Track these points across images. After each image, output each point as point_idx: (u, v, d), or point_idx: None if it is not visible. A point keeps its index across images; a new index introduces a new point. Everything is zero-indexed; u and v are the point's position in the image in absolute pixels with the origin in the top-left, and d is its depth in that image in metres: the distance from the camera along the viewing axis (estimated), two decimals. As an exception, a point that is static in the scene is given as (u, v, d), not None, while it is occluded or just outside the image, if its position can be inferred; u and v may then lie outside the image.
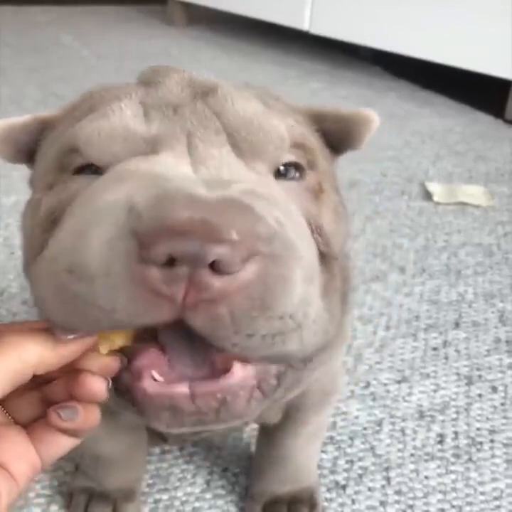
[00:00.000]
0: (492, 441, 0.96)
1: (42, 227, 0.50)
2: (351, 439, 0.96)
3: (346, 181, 1.75)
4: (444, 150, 2.00)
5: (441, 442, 0.96)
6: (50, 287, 0.43)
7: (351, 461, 0.93)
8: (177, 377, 0.45)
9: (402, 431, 0.98)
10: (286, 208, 0.46)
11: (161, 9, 3.62)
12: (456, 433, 0.98)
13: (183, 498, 0.87)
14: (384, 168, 1.85)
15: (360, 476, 0.91)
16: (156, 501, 0.86)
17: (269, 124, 0.50)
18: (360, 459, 0.93)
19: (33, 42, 2.95)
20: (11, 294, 1.20)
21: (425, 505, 0.87)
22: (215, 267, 0.39)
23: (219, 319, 0.40)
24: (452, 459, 0.93)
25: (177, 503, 0.86)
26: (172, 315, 0.40)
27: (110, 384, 0.45)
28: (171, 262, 0.38)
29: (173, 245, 0.38)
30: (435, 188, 1.72)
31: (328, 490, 0.89)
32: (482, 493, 0.89)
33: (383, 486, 0.89)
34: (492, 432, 0.98)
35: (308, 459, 0.84)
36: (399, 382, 1.07)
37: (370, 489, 0.89)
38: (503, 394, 1.05)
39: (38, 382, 0.48)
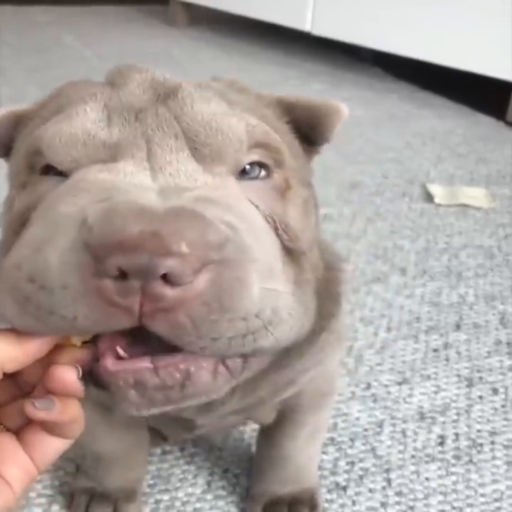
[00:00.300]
0: (493, 442, 0.97)
1: (13, 228, 0.51)
2: (352, 440, 0.96)
3: (347, 183, 1.76)
4: (446, 152, 2.00)
5: (441, 444, 0.96)
6: (11, 294, 0.44)
7: (352, 463, 0.93)
8: (139, 353, 0.45)
9: (403, 432, 0.98)
10: (241, 211, 0.47)
11: (162, 9, 3.62)
12: (456, 435, 0.98)
13: (184, 499, 0.87)
14: (385, 170, 1.85)
15: (361, 477, 0.91)
16: (157, 502, 0.86)
17: (228, 125, 0.50)
18: (361, 460, 0.93)
19: (33, 42, 2.95)
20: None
21: (426, 506, 0.87)
22: (167, 279, 0.39)
23: (179, 326, 0.41)
24: (453, 461, 0.93)
25: (178, 503, 0.86)
26: (132, 323, 0.41)
27: (81, 373, 0.45)
28: (123, 274, 0.39)
29: (124, 259, 0.39)
30: (436, 189, 1.72)
31: (329, 491, 0.89)
32: (482, 495, 0.89)
33: (384, 488, 0.89)
34: (493, 433, 0.98)
35: (308, 459, 0.84)
36: (400, 383, 1.07)
37: (370, 490, 0.89)
38: (503, 396, 1.05)
39: (26, 391, 0.48)
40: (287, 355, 0.57)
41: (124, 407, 0.45)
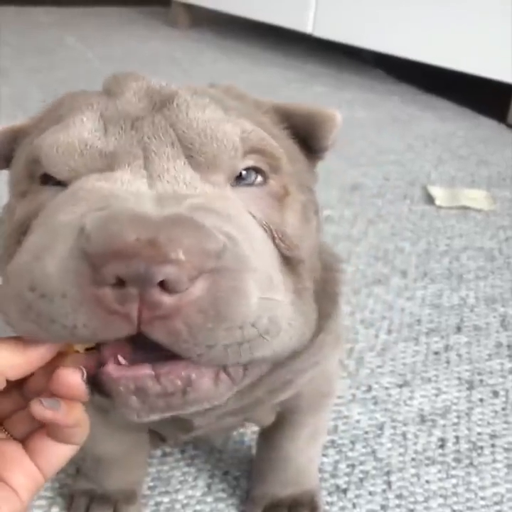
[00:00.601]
0: (493, 445, 0.96)
1: (14, 236, 0.52)
2: (352, 442, 0.96)
3: (349, 185, 1.76)
4: (447, 154, 2.00)
5: (442, 446, 0.96)
6: (13, 302, 0.44)
7: (352, 465, 0.93)
8: (140, 360, 0.45)
9: (404, 435, 0.98)
10: (240, 221, 0.47)
11: (163, 11, 3.62)
12: (457, 437, 0.98)
13: (184, 501, 0.87)
14: (386, 172, 1.85)
15: (361, 479, 0.91)
16: (157, 504, 0.86)
17: (222, 132, 0.51)
18: (361, 463, 0.93)
19: (35, 43, 2.95)
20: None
21: (426, 509, 0.87)
22: (164, 286, 0.40)
23: (176, 333, 0.41)
24: (453, 464, 0.93)
25: (178, 506, 0.86)
26: (131, 330, 0.41)
27: (85, 377, 0.45)
28: (121, 282, 0.40)
29: (121, 267, 0.39)
30: (437, 191, 1.72)
31: (329, 493, 0.89)
32: (483, 498, 0.89)
33: (384, 490, 0.89)
34: (493, 436, 0.98)
35: (308, 461, 0.84)
36: (400, 386, 1.07)
37: (371, 493, 0.89)
38: (504, 398, 1.05)
39: (31, 401, 0.48)
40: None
41: (125, 413, 0.45)
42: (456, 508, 0.87)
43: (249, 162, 0.53)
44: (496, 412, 1.03)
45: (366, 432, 0.98)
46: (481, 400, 1.05)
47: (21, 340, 0.45)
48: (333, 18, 2.63)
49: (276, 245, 0.51)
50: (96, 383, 0.46)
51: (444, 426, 1.00)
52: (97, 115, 0.51)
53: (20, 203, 0.53)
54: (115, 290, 0.40)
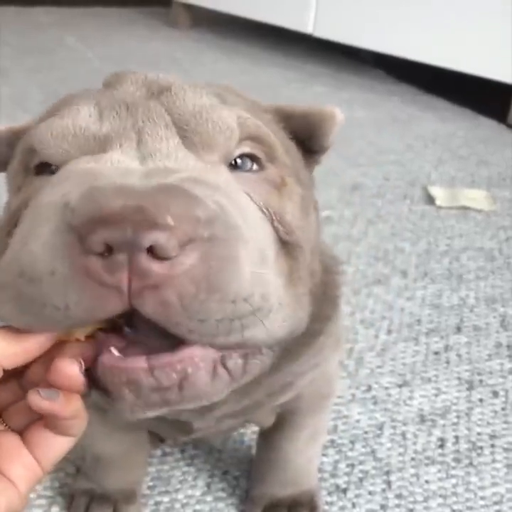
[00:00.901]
0: (493, 445, 0.97)
1: (6, 230, 0.51)
2: (352, 442, 0.96)
3: (348, 185, 1.76)
4: (447, 154, 2.00)
5: (441, 446, 0.96)
6: (6, 293, 0.44)
7: (352, 465, 0.93)
8: (134, 352, 0.44)
9: (403, 435, 0.98)
10: (231, 193, 0.47)
11: (163, 11, 3.62)
12: (456, 437, 0.98)
13: (184, 501, 0.87)
14: (386, 172, 1.85)
15: (361, 479, 0.91)
16: (157, 503, 0.86)
17: (218, 115, 0.51)
18: (361, 463, 0.93)
19: (35, 43, 2.95)
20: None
21: (425, 509, 0.87)
22: (153, 253, 0.39)
23: (167, 305, 0.40)
24: (453, 464, 0.93)
25: (178, 505, 0.86)
26: (122, 305, 0.41)
27: (83, 368, 0.45)
28: (110, 250, 0.39)
29: (108, 233, 0.39)
30: (437, 192, 1.72)
31: (329, 493, 0.89)
32: (482, 498, 0.89)
33: (384, 490, 0.89)
34: (493, 436, 0.98)
35: (307, 462, 0.84)
36: (400, 386, 1.07)
37: (370, 493, 0.89)
38: (503, 399, 1.05)
39: (28, 390, 0.48)
40: (282, 357, 0.57)
41: (120, 409, 0.45)
42: (455, 507, 0.87)
43: (245, 148, 0.52)
44: (495, 412, 1.03)
45: (366, 432, 0.98)
46: (481, 400, 1.05)
47: (18, 329, 0.45)
48: (334, 18, 2.63)
49: (275, 228, 0.50)
50: (93, 376, 0.45)
51: (443, 426, 1.00)
52: (92, 104, 0.51)
53: (15, 196, 0.53)
54: (103, 259, 0.39)
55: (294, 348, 0.59)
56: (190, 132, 0.50)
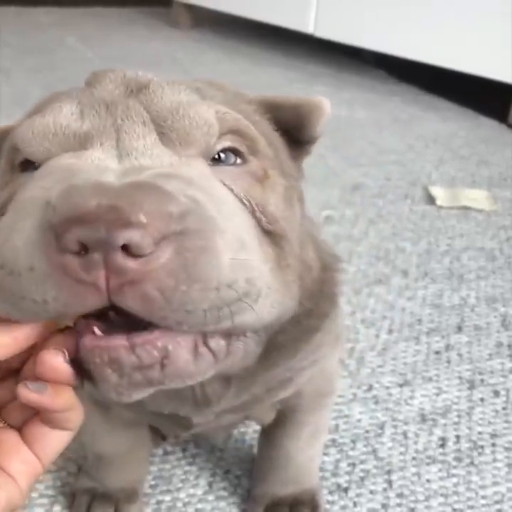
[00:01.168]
0: (494, 445, 0.97)
1: None
2: (353, 441, 0.96)
3: (349, 185, 1.76)
4: (448, 154, 2.00)
5: (443, 446, 0.96)
6: None
7: (353, 464, 0.93)
8: (115, 332, 0.44)
9: (404, 434, 0.98)
10: (206, 186, 0.47)
11: (164, 11, 3.62)
12: (457, 437, 0.98)
13: (186, 500, 0.87)
14: (387, 172, 1.85)
15: (362, 478, 0.91)
16: (159, 502, 0.86)
17: (195, 111, 0.51)
18: (362, 462, 0.93)
19: (35, 43, 2.95)
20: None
21: (427, 508, 0.87)
22: (128, 251, 0.39)
23: (149, 299, 0.41)
24: (454, 463, 0.94)
25: (179, 504, 0.86)
26: (102, 301, 0.41)
27: (67, 357, 0.44)
28: (85, 249, 0.40)
29: (82, 232, 0.39)
30: (438, 192, 1.73)
31: (330, 492, 0.89)
32: (483, 497, 0.89)
33: (385, 489, 0.89)
34: (494, 435, 0.98)
35: (309, 460, 0.84)
36: (401, 385, 1.07)
37: (371, 492, 0.89)
38: (505, 398, 1.05)
39: None
40: (278, 352, 0.57)
41: (104, 390, 0.45)
42: (456, 507, 0.87)
43: (226, 143, 0.52)
44: (496, 411, 1.03)
45: (367, 431, 0.98)
46: (482, 399, 1.05)
47: (6, 319, 0.45)
48: (335, 18, 2.63)
49: (257, 218, 0.50)
50: (79, 365, 0.45)
51: (444, 425, 1.00)
52: (74, 102, 0.52)
53: (2, 192, 0.53)
54: (79, 257, 0.40)
55: (290, 343, 0.60)
56: (168, 129, 0.50)
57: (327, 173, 1.81)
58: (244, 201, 0.51)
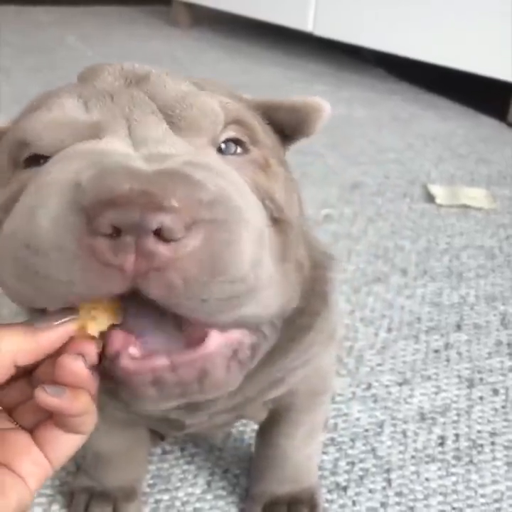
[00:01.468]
0: (493, 443, 0.96)
1: None
2: (352, 440, 0.96)
3: (348, 183, 1.76)
4: (447, 152, 2.00)
5: (442, 444, 0.96)
6: (8, 265, 0.45)
7: (352, 463, 0.93)
8: (153, 351, 0.45)
9: (403, 433, 0.98)
10: (228, 175, 0.48)
11: (164, 10, 3.62)
12: (457, 435, 0.98)
13: (184, 499, 0.87)
14: (386, 170, 1.85)
15: (361, 477, 0.91)
16: (157, 501, 0.86)
17: (201, 101, 0.52)
18: (361, 461, 0.93)
19: (35, 42, 2.95)
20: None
21: (426, 507, 0.87)
22: (160, 235, 0.40)
23: (171, 286, 0.41)
24: (453, 461, 0.93)
25: (178, 503, 0.86)
26: (126, 284, 0.41)
27: (89, 363, 0.45)
28: (117, 232, 0.40)
29: (116, 216, 0.39)
30: (437, 190, 1.72)
31: (329, 491, 0.89)
32: (483, 496, 0.89)
33: (384, 488, 0.89)
34: (493, 434, 0.98)
35: (306, 459, 0.84)
36: (400, 384, 1.07)
37: (370, 491, 0.89)
38: (504, 396, 1.05)
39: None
40: (270, 352, 0.58)
41: (140, 402, 0.46)
42: (456, 505, 0.87)
43: (231, 133, 0.53)
44: (495, 409, 1.03)
45: (366, 430, 0.98)
46: (481, 397, 1.05)
47: (32, 325, 0.45)
48: (334, 16, 2.63)
49: (266, 206, 0.51)
50: (103, 372, 0.46)
51: (443, 424, 1.00)
52: (75, 96, 0.52)
53: (3, 189, 0.53)
54: (110, 240, 0.40)
55: (283, 343, 0.60)
56: (176, 118, 0.50)
57: (326, 171, 1.81)
58: (254, 189, 0.51)
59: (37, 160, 0.51)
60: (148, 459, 0.90)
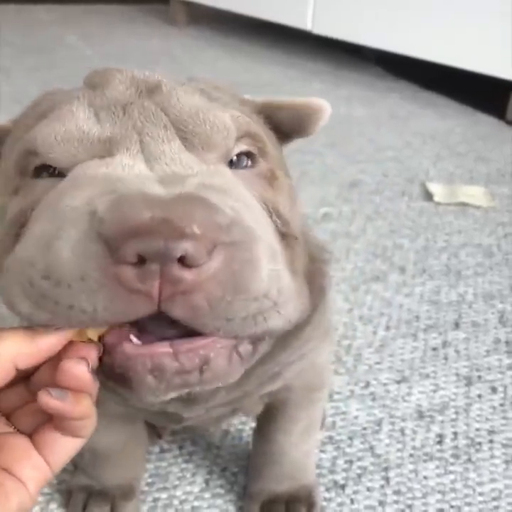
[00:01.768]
0: (491, 441, 0.97)
1: (10, 233, 0.51)
2: (350, 438, 0.96)
3: (347, 181, 1.76)
4: (445, 151, 2.00)
5: (440, 442, 0.96)
6: (20, 290, 0.45)
7: (350, 461, 0.93)
8: (156, 339, 0.46)
9: (402, 431, 0.98)
10: (240, 196, 0.48)
11: (163, 9, 3.62)
12: (455, 433, 0.98)
13: (182, 497, 0.87)
14: (385, 169, 1.85)
15: (359, 475, 0.91)
16: (155, 500, 0.86)
17: (214, 115, 0.52)
18: (359, 459, 0.93)
19: (35, 41, 2.95)
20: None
21: (424, 505, 0.87)
22: (183, 261, 0.41)
23: (196, 308, 0.42)
24: (451, 460, 0.93)
25: (176, 502, 0.86)
26: (151, 309, 0.42)
27: (90, 367, 0.45)
28: (141, 260, 0.40)
29: (141, 244, 0.40)
30: (436, 188, 1.72)
31: (327, 489, 0.89)
32: (481, 494, 0.89)
33: (382, 486, 0.89)
34: (491, 432, 0.98)
35: (304, 456, 0.84)
36: (398, 382, 1.07)
37: (369, 489, 0.89)
38: (502, 394, 1.05)
39: (36, 392, 0.48)
40: (271, 348, 0.58)
41: (141, 393, 0.46)
42: (454, 503, 0.87)
43: (243, 146, 0.54)
44: (494, 408, 1.03)
45: (364, 428, 0.98)
46: (479, 395, 1.05)
47: (31, 329, 0.45)
48: (332, 15, 2.63)
49: (273, 221, 0.52)
50: (105, 369, 0.46)
51: (442, 422, 1.00)
52: (85, 105, 0.52)
53: (13, 199, 0.53)
54: (136, 268, 0.41)
55: (280, 338, 0.61)
56: (189, 134, 0.50)
57: (325, 170, 1.81)
58: (262, 204, 0.52)
59: (47, 169, 0.51)
60: (146, 457, 0.90)
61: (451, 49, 2.29)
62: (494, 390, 1.06)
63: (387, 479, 0.90)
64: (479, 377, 1.09)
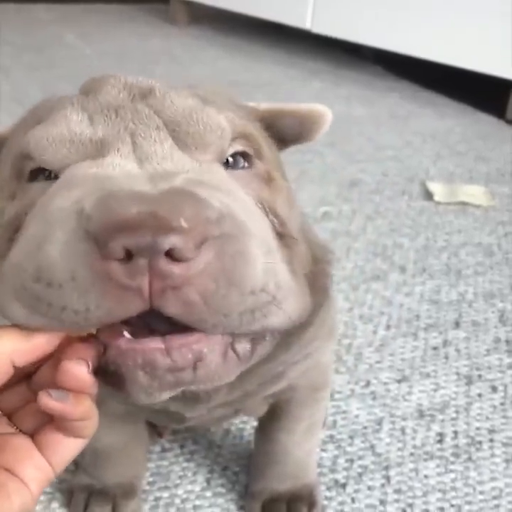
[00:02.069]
0: (491, 440, 0.97)
1: (5, 237, 0.51)
2: (351, 437, 0.97)
3: (347, 181, 1.76)
4: (445, 150, 2.00)
5: (440, 441, 0.96)
6: (17, 297, 0.44)
7: (351, 460, 0.93)
8: (149, 334, 0.45)
9: (402, 430, 0.98)
10: (231, 191, 0.48)
11: (163, 8, 3.62)
12: (455, 432, 0.98)
13: (184, 496, 0.87)
14: (385, 168, 1.85)
15: (360, 474, 0.91)
16: (157, 499, 0.87)
17: (207, 115, 0.52)
18: (360, 458, 0.94)
19: (35, 40, 2.95)
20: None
21: (424, 504, 0.87)
22: (172, 255, 0.40)
23: (189, 302, 0.42)
24: (452, 458, 0.94)
25: (177, 501, 0.87)
26: (144, 305, 0.42)
27: (91, 368, 0.45)
28: (129, 255, 0.40)
29: (128, 239, 0.40)
30: (436, 187, 1.73)
31: (328, 488, 0.89)
32: (481, 493, 0.89)
33: (383, 485, 0.90)
34: (491, 431, 0.98)
35: (306, 455, 0.85)
36: (399, 381, 1.07)
37: (369, 488, 0.89)
38: (502, 393, 1.05)
39: (38, 392, 0.48)
40: (273, 347, 0.58)
41: (134, 391, 0.46)
42: (454, 502, 0.87)
43: (238, 147, 0.54)
44: (494, 407, 1.03)
45: (365, 427, 0.98)
46: (480, 395, 1.05)
47: (26, 326, 0.45)
48: (332, 14, 2.62)
49: (270, 221, 0.52)
50: (102, 368, 0.46)
51: (442, 421, 1.00)
52: (79, 109, 0.52)
53: (9, 204, 0.53)
54: (124, 264, 0.40)
55: (285, 338, 0.60)
56: (182, 133, 0.50)
57: (325, 169, 1.81)
58: (258, 204, 0.52)
59: (43, 172, 0.51)
60: (147, 456, 0.90)
61: (451, 48, 2.29)
62: (494, 389, 1.06)
63: (387, 478, 0.91)
64: (479, 376, 1.09)
